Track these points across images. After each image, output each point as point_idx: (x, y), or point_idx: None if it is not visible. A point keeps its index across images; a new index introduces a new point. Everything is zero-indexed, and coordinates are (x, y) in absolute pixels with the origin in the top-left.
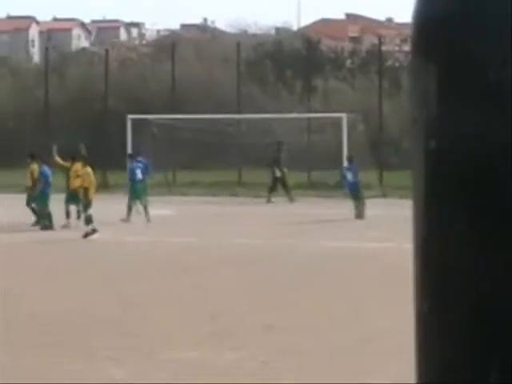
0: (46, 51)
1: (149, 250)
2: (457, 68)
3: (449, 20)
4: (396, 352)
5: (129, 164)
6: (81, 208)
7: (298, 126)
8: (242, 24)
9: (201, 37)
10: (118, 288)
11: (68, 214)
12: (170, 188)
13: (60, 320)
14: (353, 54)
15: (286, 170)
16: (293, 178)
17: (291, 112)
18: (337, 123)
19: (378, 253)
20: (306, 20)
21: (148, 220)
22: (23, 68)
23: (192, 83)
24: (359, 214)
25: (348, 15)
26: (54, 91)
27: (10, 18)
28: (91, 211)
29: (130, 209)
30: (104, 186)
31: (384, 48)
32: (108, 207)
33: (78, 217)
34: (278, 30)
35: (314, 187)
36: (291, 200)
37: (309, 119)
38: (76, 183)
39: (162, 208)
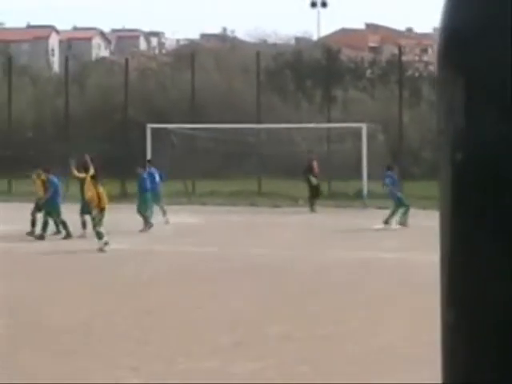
0: (65, 60)
1: (168, 260)
2: (484, 80)
3: (476, 33)
4: (413, 362)
5: (140, 173)
6: (90, 218)
7: (318, 136)
8: (261, 34)
9: (220, 46)
10: (137, 297)
11: (84, 225)
12: (189, 197)
13: (79, 328)
14: (373, 63)
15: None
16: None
17: (311, 122)
18: (356, 133)
19: (395, 263)
20: (326, 30)
21: (147, 229)
22: (43, 77)
23: (212, 93)
24: (402, 222)
25: (368, 25)
26: (73, 100)
27: (30, 27)
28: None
29: (145, 218)
30: (123, 196)
31: (404, 58)
32: (127, 216)
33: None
34: (297, 39)
35: (334, 197)
36: (312, 210)
37: (328, 129)
38: (88, 194)
39: (181, 217)
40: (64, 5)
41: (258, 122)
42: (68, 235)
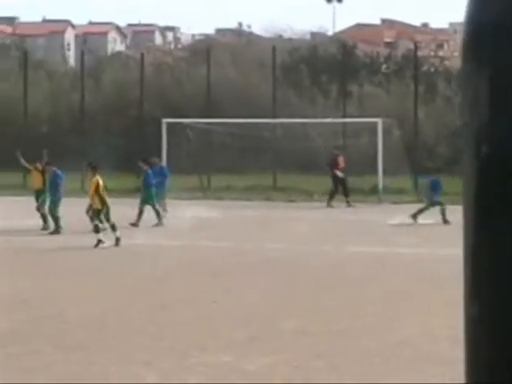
0: (81, 55)
1: (183, 254)
2: (508, 74)
3: (501, 27)
4: (429, 357)
5: (143, 169)
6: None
7: (333, 131)
8: (277, 28)
9: (236, 41)
10: (152, 292)
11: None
12: (205, 192)
13: (93, 323)
14: (388, 59)
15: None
16: (328, 183)
17: (326, 117)
18: (372, 128)
19: (412, 258)
20: (342, 25)
21: (159, 224)
22: (59, 72)
23: (227, 88)
24: (444, 219)
25: (383, 20)
26: (89, 95)
27: (45, 21)
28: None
29: (157, 213)
30: (138, 190)
31: (419, 53)
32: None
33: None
34: (313, 34)
35: (349, 192)
36: (329, 205)
37: (344, 124)
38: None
39: (197, 211)
40: None
41: (274, 116)
42: (56, 231)
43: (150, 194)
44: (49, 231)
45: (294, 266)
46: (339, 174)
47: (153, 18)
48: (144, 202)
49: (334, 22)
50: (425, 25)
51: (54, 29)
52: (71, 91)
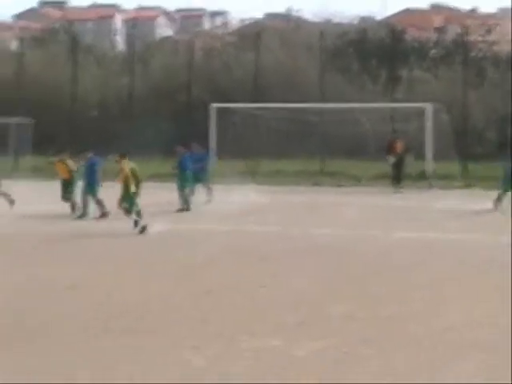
0: (130, 40)
1: (231, 239)
2: None
3: None
4: (475, 343)
5: (179, 152)
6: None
7: (382, 116)
8: (326, 13)
9: (285, 26)
10: (199, 276)
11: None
12: (253, 176)
13: (139, 308)
14: (437, 44)
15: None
16: (376, 168)
17: (375, 102)
18: (420, 113)
19: (459, 244)
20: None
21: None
22: (108, 56)
23: (276, 72)
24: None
25: (432, 5)
26: (137, 80)
27: (94, 6)
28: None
29: (184, 198)
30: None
31: (468, 38)
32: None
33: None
34: (362, 19)
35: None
36: (397, 191)
37: (393, 109)
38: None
39: (244, 196)
40: None
41: (322, 101)
42: (83, 215)
43: (184, 178)
44: (94, 216)
45: (342, 251)
46: (391, 158)
47: (202, 3)
48: (182, 187)
49: (383, 6)
50: (474, 10)
51: (103, 13)
52: (120, 76)
